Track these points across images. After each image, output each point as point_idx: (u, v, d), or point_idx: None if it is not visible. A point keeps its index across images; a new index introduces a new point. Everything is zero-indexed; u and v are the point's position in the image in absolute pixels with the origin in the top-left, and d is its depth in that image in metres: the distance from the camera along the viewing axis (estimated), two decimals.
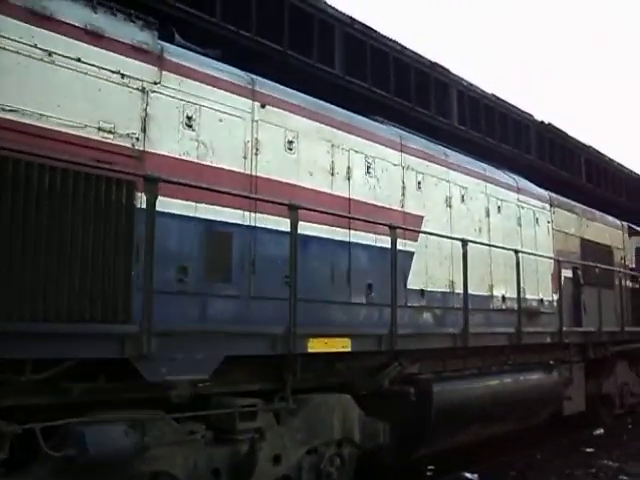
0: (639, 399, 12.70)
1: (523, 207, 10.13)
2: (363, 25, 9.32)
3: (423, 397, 6.97)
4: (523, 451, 9.75)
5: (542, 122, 14.71)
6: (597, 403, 11.41)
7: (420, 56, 10.51)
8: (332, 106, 7.18)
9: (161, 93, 5.57)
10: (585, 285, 11.05)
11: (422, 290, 7.86)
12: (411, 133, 8.35)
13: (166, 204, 5.27)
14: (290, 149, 6.53)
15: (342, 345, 6.04)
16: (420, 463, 8.16)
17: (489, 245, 8.53)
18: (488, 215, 9.25)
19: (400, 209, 7.72)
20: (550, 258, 9.83)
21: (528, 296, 9.84)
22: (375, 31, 9.54)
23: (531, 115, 14.27)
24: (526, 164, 13.12)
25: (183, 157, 5.67)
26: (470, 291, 8.35)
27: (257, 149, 6.22)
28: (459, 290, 8.29)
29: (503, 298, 9.22)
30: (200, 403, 5.23)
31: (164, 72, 5.61)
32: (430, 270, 7.99)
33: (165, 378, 4.76)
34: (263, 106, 6.35)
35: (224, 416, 5.35)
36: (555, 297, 10.49)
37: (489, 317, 8.89)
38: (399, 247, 7.27)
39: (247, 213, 6.01)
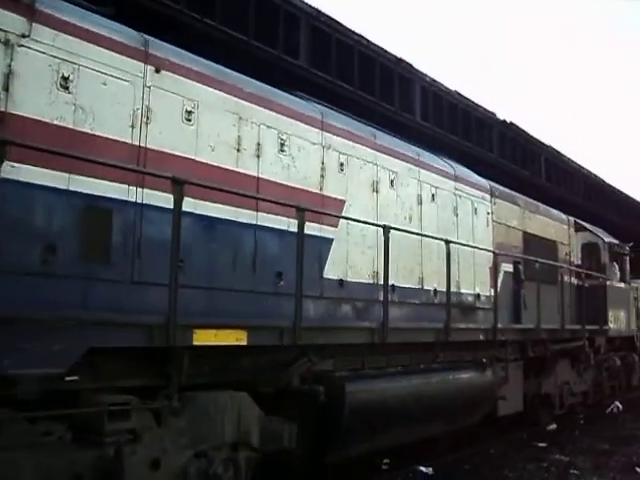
0: (580, 399, 12.36)
1: (460, 196, 9.67)
2: (329, 18, 9.27)
3: (335, 397, 6.44)
4: (477, 446, 9.89)
5: (504, 121, 14.94)
6: (536, 403, 11.02)
7: (385, 51, 10.51)
8: (241, 75, 6.62)
9: (30, 48, 4.92)
10: (526, 280, 10.62)
11: (341, 280, 7.33)
12: (335, 110, 7.80)
13: (29, 173, 4.64)
14: (188, 120, 5.93)
15: (236, 338, 5.47)
16: (375, 457, 8.32)
17: (415, 234, 8.03)
18: (420, 203, 8.76)
19: (318, 192, 7.19)
20: (486, 250, 9.34)
21: (463, 290, 9.40)
22: (341, 24, 9.49)
23: (494, 114, 14.50)
24: (488, 162, 13.33)
25: (56, 122, 5.02)
26: (397, 283, 7.92)
27: (148, 118, 5.62)
28: (382, 281, 7.78)
29: (435, 292, 8.72)
30: (67, 400, 4.60)
31: (35, 24, 4.96)
32: (352, 259, 7.47)
33: (8, 372, 4.12)
34: (157, 71, 5.76)
35: (92, 416, 4.72)
36: (492, 292, 10.04)
37: (418, 311, 8.40)
38: (314, 233, 6.82)
39: (133, 188, 5.39)
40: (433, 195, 9.06)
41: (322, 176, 7.24)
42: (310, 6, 9.20)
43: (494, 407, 9.64)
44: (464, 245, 8.96)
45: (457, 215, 9.53)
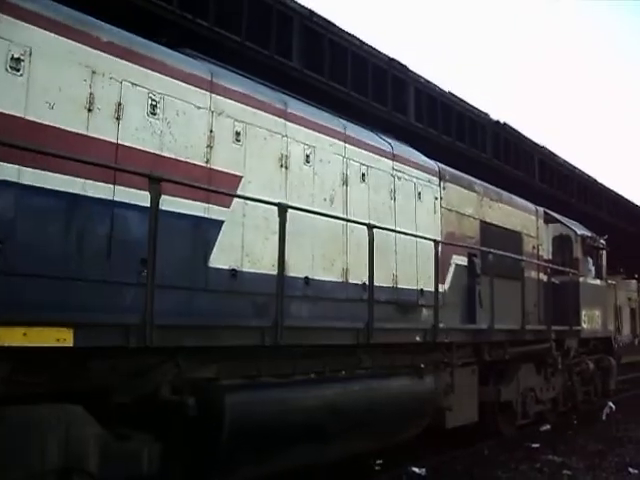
0: (548, 406, 11.29)
1: (400, 178, 8.63)
2: (322, 18, 9.39)
3: (211, 411, 5.37)
4: (470, 447, 9.90)
5: (498, 122, 15.23)
6: (495, 413, 9.97)
7: (378, 52, 10.67)
8: (99, 22, 5.56)
9: None
10: (484, 275, 9.55)
11: (234, 270, 6.26)
12: (231, 71, 6.76)
13: None
14: (15, 69, 4.88)
15: (56, 338, 4.40)
16: (367, 458, 8.34)
17: (325, 215, 6.96)
18: (346, 183, 7.72)
19: (204, 165, 6.15)
20: (426, 239, 8.27)
21: (402, 285, 8.35)
22: (334, 25, 9.60)
23: (487, 114, 14.83)
24: (482, 162, 13.73)
25: None
26: (312, 275, 6.87)
27: None
28: (296, 273, 6.76)
29: (364, 286, 7.64)
30: None
31: None
32: (250, 246, 6.43)
33: None
34: None
35: None
36: (440, 287, 8.96)
37: (340, 309, 7.31)
38: (197, 213, 5.77)
39: None
40: (363, 175, 8.02)
41: (209, 146, 6.21)
42: (303, 6, 9.33)
43: (440, 418, 8.55)
44: (396, 232, 7.89)
45: (395, 199, 8.49)
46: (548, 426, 11.71)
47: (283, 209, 6.00)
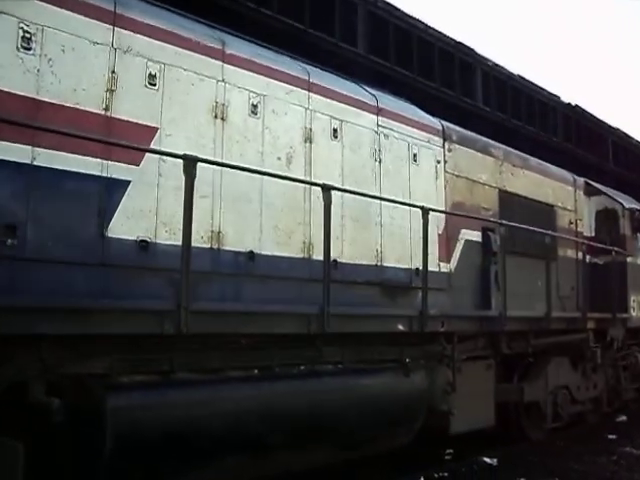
0: (588, 406, 9.83)
1: (386, 135, 7.41)
2: (386, 3, 9.39)
3: (87, 417, 4.37)
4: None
5: (569, 104, 14.84)
6: (519, 415, 8.66)
7: (444, 35, 10.62)
8: None
9: None
10: (507, 254, 8.21)
11: (144, 242, 5.24)
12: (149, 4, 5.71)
13: None
14: None
15: None
16: (437, 446, 8.22)
17: (259, 173, 5.89)
18: (309, 140, 6.58)
19: (102, 112, 5.12)
20: (414, 207, 7.04)
21: (389, 264, 7.14)
22: (398, 9, 9.59)
23: (558, 97, 14.46)
24: (552, 147, 13.39)
25: None
26: (260, 250, 5.82)
27: None
28: (234, 246, 5.72)
29: (335, 263, 6.50)
30: None
31: None
32: (167, 213, 5.37)
33: None
34: None
35: None
36: (445, 267, 7.73)
37: (299, 290, 6.20)
38: (82, 170, 4.77)
39: None
40: (335, 130, 6.85)
41: (110, 90, 5.17)
42: None
43: (443, 423, 7.33)
44: (363, 195, 6.71)
45: (380, 161, 7.28)
46: (624, 417, 11.26)
47: (190, 163, 4.92)
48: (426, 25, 10.39)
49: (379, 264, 7.11)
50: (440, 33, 10.74)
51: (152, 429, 4.72)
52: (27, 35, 4.81)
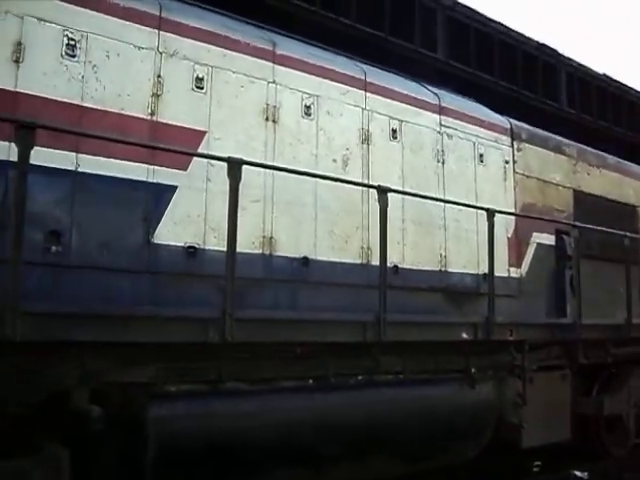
0: None
1: (451, 136, 7.12)
2: (466, 8, 9.34)
3: (129, 426, 4.30)
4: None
5: None
6: (599, 429, 8.15)
7: (527, 37, 10.46)
8: None
9: None
10: (578, 257, 7.77)
11: (192, 248, 5.15)
12: (185, 2, 5.65)
13: None
14: None
15: None
16: (526, 458, 7.79)
17: (313, 176, 5.71)
18: (366, 141, 6.36)
19: (147, 117, 5.07)
20: (479, 209, 6.72)
21: (454, 269, 6.84)
22: (478, 13, 9.55)
23: None
24: None
25: None
26: (315, 255, 5.68)
27: None
28: (288, 252, 5.58)
29: (396, 269, 6.28)
30: None
31: None
32: (216, 218, 5.25)
33: None
34: None
35: None
36: (515, 272, 7.37)
37: (359, 298, 5.99)
38: (126, 175, 4.73)
39: None
40: (394, 131, 6.62)
41: (156, 95, 5.12)
42: None
43: (514, 436, 6.96)
44: (424, 198, 6.43)
45: (442, 161, 6.99)
46: None
47: (236, 166, 4.79)
48: (507, 27, 10.20)
49: (443, 269, 6.82)
50: (522, 35, 10.50)
51: (197, 440, 4.60)
52: (71, 42, 4.82)
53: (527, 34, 10.56)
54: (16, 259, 3.84)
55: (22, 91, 4.57)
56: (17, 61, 4.57)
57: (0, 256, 3.89)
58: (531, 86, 10.24)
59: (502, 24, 10.09)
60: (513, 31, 10.24)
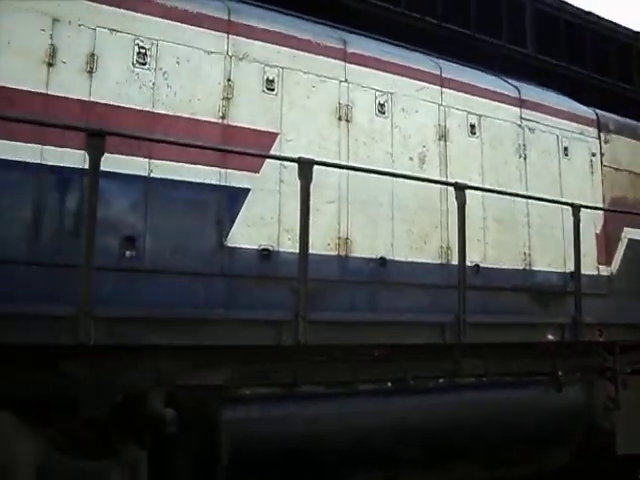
0: None
1: (533, 129, 6.86)
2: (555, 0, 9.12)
3: (202, 429, 4.33)
4: None
5: None
6: None
7: (620, 26, 10.10)
8: None
9: None
10: None
11: (266, 250, 5.13)
12: (255, 5, 5.64)
13: None
14: None
15: None
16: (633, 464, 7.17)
17: (392, 175, 5.57)
18: (444, 137, 6.21)
19: (218, 121, 5.09)
20: (565, 204, 6.44)
21: (539, 267, 6.58)
22: (568, 4, 9.34)
23: None
24: None
25: None
26: (392, 256, 5.59)
27: None
28: (364, 252, 5.51)
29: (477, 268, 6.10)
30: None
31: None
32: (290, 219, 5.21)
33: None
34: None
35: None
36: (605, 270, 7.04)
37: (438, 298, 5.84)
38: (198, 179, 4.77)
39: None
40: (473, 126, 6.43)
41: (226, 98, 5.13)
42: None
43: (607, 442, 6.63)
44: (504, 194, 6.21)
45: (524, 156, 6.73)
46: None
47: (306, 165, 4.74)
48: (599, 17, 9.79)
49: (527, 268, 6.57)
50: (615, 24, 10.07)
51: (271, 443, 4.57)
52: (142, 50, 4.88)
53: (622, 23, 10.18)
54: (88, 265, 3.90)
55: (95, 100, 4.65)
56: (90, 71, 4.66)
57: (76, 262, 3.96)
58: (626, 78, 9.85)
59: (593, 14, 9.74)
60: (605, 20, 9.86)
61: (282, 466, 4.60)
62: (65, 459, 4.04)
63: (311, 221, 4.95)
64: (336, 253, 5.49)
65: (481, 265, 6.21)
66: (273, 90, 5.40)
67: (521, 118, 6.84)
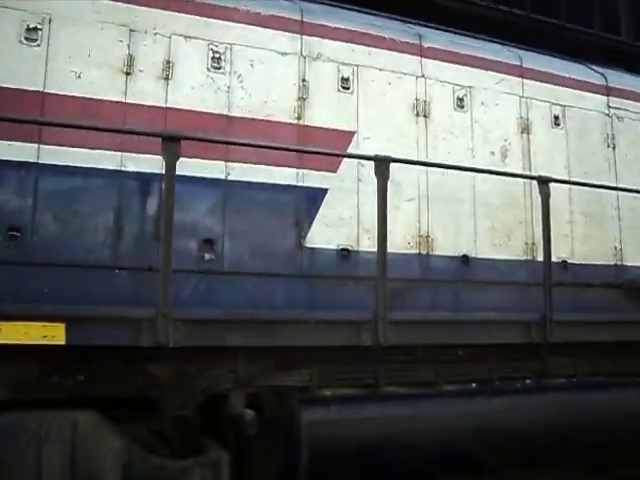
0: None
1: (620, 117, 6.56)
2: None
3: (282, 430, 4.34)
4: None
5: None
6: None
7: None
8: None
9: None
10: None
11: (345, 250, 5.10)
12: (334, 5, 5.62)
13: None
14: (32, 40, 4.42)
15: (42, 335, 3.77)
16: None
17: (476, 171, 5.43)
18: (526, 130, 6.02)
19: (294, 122, 5.10)
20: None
21: (631, 262, 6.30)
22: None
23: None
24: None
25: None
26: (474, 253, 5.49)
27: None
28: (446, 250, 5.43)
29: (565, 265, 5.89)
30: None
31: None
32: (369, 218, 5.15)
33: None
34: None
35: None
36: None
37: (524, 295, 5.67)
38: (283, 181, 4.83)
39: None
40: (557, 117, 6.20)
41: (302, 99, 5.14)
42: None
43: None
44: (591, 187, 5.94)
45: (613, 147, 6.45)
46: None
47: (383, 163, 4.68)
48: None
49: (619, 263, 6.26)
50: None
51: (351, 445, 4.51)
52: (216, 55, 4.93)
53: None
54: (166, 268, 3.97)
55: (172, 106, 4.73)
56: (167, 78, 4.74)
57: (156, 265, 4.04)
58: None
59: None
60: None
61: (362, 468, 4.54)
62: (149, 457, 4.09)
63: (390, 219, 4.87)
64: (417, 251, 5.39)
65: (569, 261, 5.98)
66: (348, 88, 5.35)
67: (609, 106, 6.55)
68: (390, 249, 4.83)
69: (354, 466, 4.48)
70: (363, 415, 4.68)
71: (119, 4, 4.70)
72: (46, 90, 4.41)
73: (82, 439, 3.94)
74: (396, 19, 5.87)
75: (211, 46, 4.92)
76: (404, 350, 4.94)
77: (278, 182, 4.96)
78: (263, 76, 5.07)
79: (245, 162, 4.84)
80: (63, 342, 3.82)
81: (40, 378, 4.03)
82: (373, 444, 4.58)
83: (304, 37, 5.25)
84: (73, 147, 4.34)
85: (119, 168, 4.47)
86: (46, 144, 4.27)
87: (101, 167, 4.43)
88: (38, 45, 4.44)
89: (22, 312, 3.81)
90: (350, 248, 5.15)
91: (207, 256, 4.66)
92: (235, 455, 4.33)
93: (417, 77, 5.64)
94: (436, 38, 5.87)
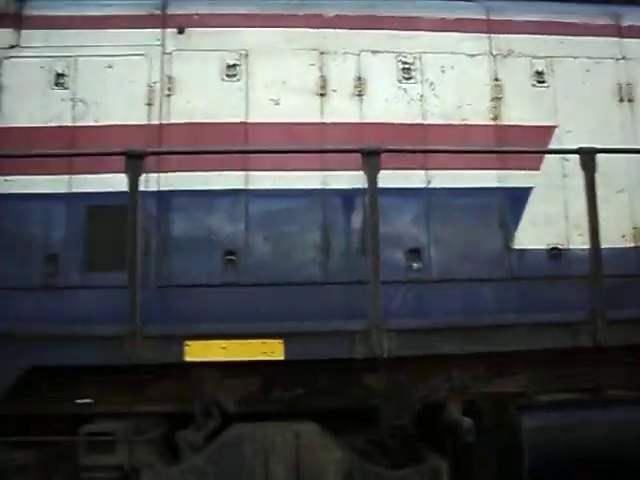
0: None
1: None
2: None
3: (504, 437, 4.27)
4: None
5: None
6: None
7: None
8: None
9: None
10: None
11: (555, 249, 4.92)
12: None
13: None
14: (232, 76, 4.78)
15: (262, 351, 4.02)
16: None
17: None
18: None
19: (491, 123, 5.02)
20: None
21: None
22: None
23: None
24: None
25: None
26: None
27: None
28: None
29: None
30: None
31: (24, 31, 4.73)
32: (575, 213, 4.93)
33: None
34: (181, 32, 4.83)
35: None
36: None
37: None
38: (485, 184, 4.79)
39: None
40: None
41: (496, 98, 5.04)
42: None
43: None
44: None
45: None
46: None
47: (588, 155, 4.46)
48: None
49: None
50: None
51: (573, 451, 4.27)
52: (406, 66, 4.96)
53: None
54: (375, 279, 4.02)
55: (367, 121, 4.82)
56: (360, 95, 4.84)
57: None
58: None
59: None
60: None
61: (582, 474, 4.29)
62: (368, 467, 4.16)
63: (601, 213, 4.60)
64: (633, 244, 5.04)
65: None
66: (544, 82, 5.16)
67: None
68: (604, 244, 4.55)
69: (575, 474, 4.24)
70: (585, 421, 4.42)
71: (308, 30, 4.89)
72: (248, 120, 4.67)
73: (305, 449, 4.09)
74: (588, 1, 5.56)
75: (400, 57, 4.97)
76: (626, 351, 4.62)
77: (480, 185, 4.87)
78: (455, 81, 5.03)
79: (445, 169, 4.80)
80: (282, 357, 4.00)
81: (262, 392, 4.25)
82: (594, 450, 4.31)
83: (492, 36, 5.15)
84: (276, 171, 4.54)
85: (322, 187, 4.61)
86: (252, 170, 4.52)
87: (304, 187, 4.60)
88: (238, 80, 4.72)
89: (243, 331, 4.03)
90: (560, 246, 4.93)
91: (415, 265, 4.66)
92: (453, 463, 4.27)
93: (617, 60, 5.30)
94: (636, 15, 5.48)
